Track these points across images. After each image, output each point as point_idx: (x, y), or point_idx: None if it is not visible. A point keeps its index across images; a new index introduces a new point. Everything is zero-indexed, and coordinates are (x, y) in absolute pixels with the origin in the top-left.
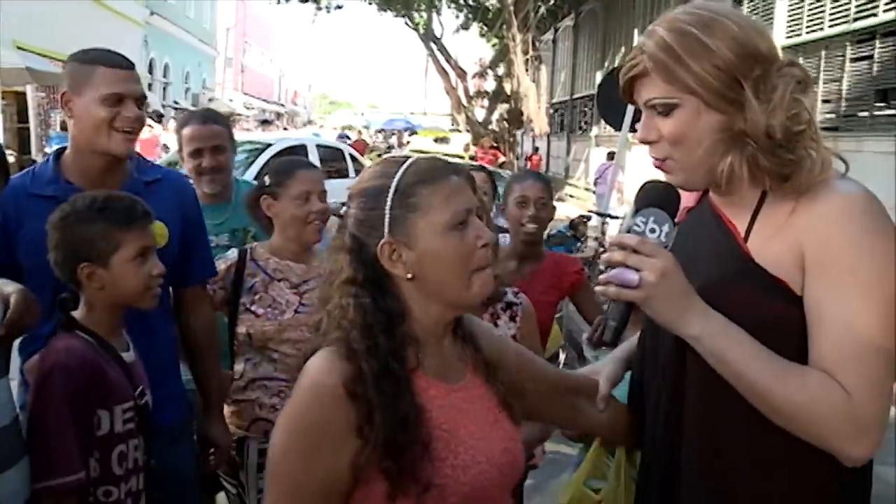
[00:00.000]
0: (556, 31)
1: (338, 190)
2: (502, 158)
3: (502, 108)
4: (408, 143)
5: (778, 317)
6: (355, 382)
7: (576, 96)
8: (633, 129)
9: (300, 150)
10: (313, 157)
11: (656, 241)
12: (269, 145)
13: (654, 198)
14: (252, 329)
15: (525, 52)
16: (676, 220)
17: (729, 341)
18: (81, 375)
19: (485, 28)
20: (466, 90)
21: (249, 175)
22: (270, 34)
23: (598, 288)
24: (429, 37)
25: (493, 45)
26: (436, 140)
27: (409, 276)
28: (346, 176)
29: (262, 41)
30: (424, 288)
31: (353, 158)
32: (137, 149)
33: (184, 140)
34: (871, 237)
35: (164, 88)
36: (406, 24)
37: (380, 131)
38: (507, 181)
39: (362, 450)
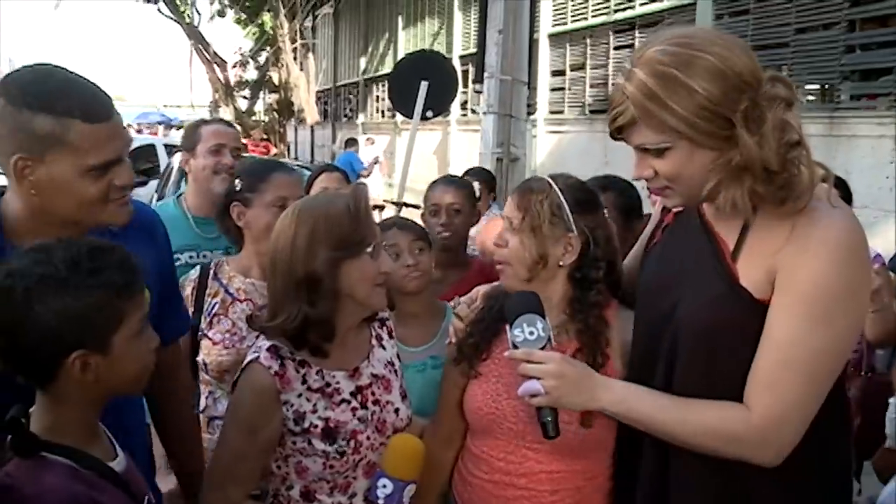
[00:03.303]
0: (315, 18)
1: None
2: (274, 150)
3: (271, 98)
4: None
5: (759, 337)
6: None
7: (339, 84)
8: (424, 118)
9: (149, 149)
10: (163, 158)
11: (539, 339)
12: None
13: (517, 306)
14: (208, 358)
15: (293, 41)
16: (665, 221)
17: (631, 403)
18: None
19: (243, 15)
20: (227, 80)
21: None
22: None
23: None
24: (191, 26)
25: (253, 34)
26: None
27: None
28: None
29: None
30: None
31: None
32: None
33: (204, 136)
34: (835, 275)
35: None
36: (159, 10)
37: (131, 125)
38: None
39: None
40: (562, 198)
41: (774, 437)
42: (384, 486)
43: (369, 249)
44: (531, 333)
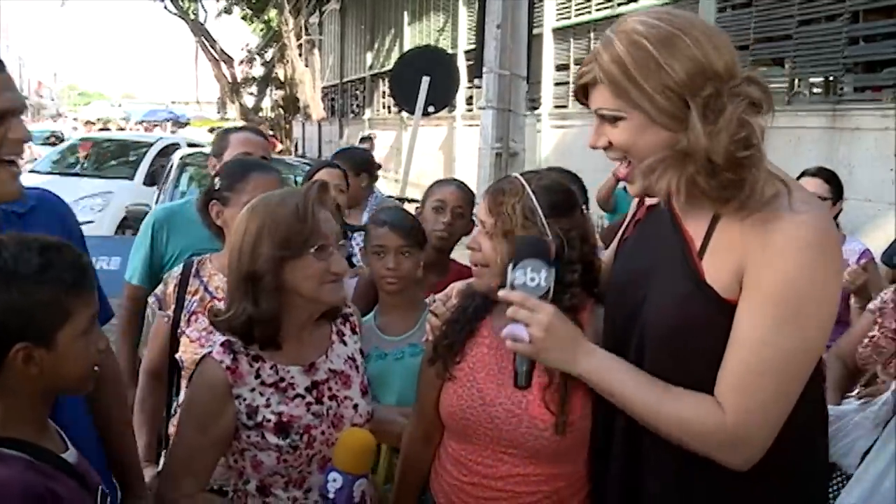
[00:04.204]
0: (322, 14)
1: None
2: (280, 146)
3: (277, 94)
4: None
5: (727, 336)
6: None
7: (346, 79)
8: (425, 113)
9: (175, 147)
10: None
11: (538, 288)
12: (152, 144)
13: (527, 248)
14: (185, 355)
15: (298, 37)
16: (638, 216)
17: (612, 375)
18: None
19: (249, 12)
20: (234, 76)
21: (140, 174)
22: (5, 18)
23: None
24: (196, 23)
25: (260, 31)
26: (211, 130)
27: None
28: None
29: None
30: None
31: None
32: None
33: (232, 143)
34: (803, 274)
35: None
36: (165, 8)
37: (141, 122)
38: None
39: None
40: (535, 201)
41: (746, 440)
42: (334, 481)
43: (313, 250)
44: (532, 280)
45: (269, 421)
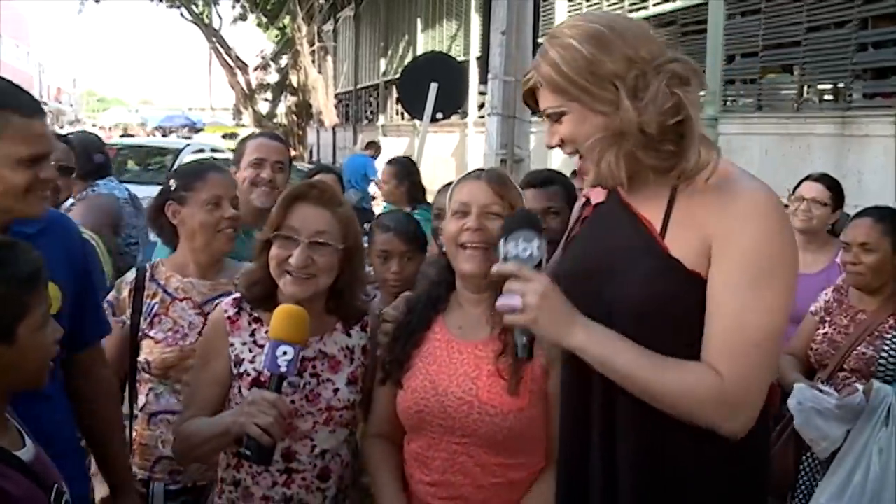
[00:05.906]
0: (337, 21)
1: None
2: (293, 152)
3: (290, 100)
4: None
5: (696, 308)
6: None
7: (360, 86)
8: (433, 119)
9: (201, 153)
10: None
11: (531, 258)
12: (181, 150)
13: (517, 220)
14: (151, 356)
15: (311, 44)
16: (584, 214)
17: (612, 347)
18: None
19: (264, 19)
20: (249, 83)
21: None
22: (26, 25)
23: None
24: (211, 29)
25: (276, 38)
26: (224, 136)
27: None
28: None
29: (16, 33)
30: None
31: None
32: None
33: (248, 149)
34: (769, 238)
35: None
36: (181, 15)
37: (158, 128)
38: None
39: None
40: (518, 188)
41: (743, 402)
42: (266, 349)
43: (278, 236)
44: (525, 250)
45: (247, 375)
